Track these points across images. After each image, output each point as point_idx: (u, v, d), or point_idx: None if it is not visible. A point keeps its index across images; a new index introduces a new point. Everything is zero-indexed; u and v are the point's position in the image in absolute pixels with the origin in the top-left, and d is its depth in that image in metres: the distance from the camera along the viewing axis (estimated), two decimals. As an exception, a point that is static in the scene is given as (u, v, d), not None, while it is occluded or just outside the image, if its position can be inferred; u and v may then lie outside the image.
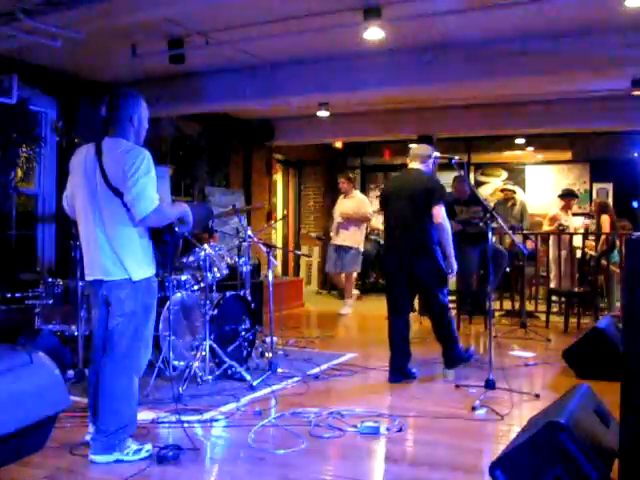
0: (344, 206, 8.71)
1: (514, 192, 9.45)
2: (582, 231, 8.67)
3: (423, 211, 4.73)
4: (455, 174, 7.39)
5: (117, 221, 3.10)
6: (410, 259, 4.78)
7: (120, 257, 3.10)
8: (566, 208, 8.42)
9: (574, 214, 8.84)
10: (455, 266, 4.87)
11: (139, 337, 3.19)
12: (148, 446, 3.22)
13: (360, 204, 8.71)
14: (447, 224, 4.77)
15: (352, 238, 8.51)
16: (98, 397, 3.14)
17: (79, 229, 3.25)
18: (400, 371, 4.83)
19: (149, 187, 3.05)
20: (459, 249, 6.41)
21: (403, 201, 4.81)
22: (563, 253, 8.02)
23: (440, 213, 4.72)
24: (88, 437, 3.33)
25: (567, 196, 8.50)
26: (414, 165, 5.00)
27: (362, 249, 8.71)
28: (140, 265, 3.15)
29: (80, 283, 4.73)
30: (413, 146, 5.24)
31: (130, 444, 3.18)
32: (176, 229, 3.28)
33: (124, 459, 3.13)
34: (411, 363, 4.95)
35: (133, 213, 3.04)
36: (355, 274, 9.04)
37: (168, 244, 3.23)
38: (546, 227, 8.41)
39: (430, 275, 4.81)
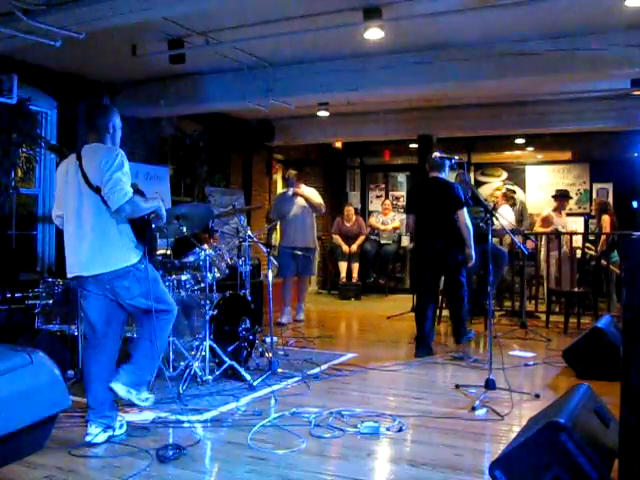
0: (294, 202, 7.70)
1: (514, 192, 9.46)
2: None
3: (450, 215, 5.70)
4: (455, 174, 7.38)
5: (102, 217, 3.38)
6: (442, 251, 5.75)
7: (108, 249, 3.39)
8: (559, 209, 8.43)
9: (574, 214, 8.85)
10: (474, 256, 5.74)
11: (162, 294, 3.61)
12: (152, 398, 3.68)
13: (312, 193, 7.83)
14: (469, 224, 5.69)
15: (308, 238, 7.66)
16: (136, 350, 3.57)
17: (67, 233, 3.51)
18: (426, 346, 5.76)
19: (122, 181, 3.32)
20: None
21: (432, 207, 5.76)
22: (563, 253, 8.03)
23: (463, 217, 5.65)
24: (88, 438, 3.37)
25: (560, 197, 8.51)
26: (434, 174, 5.86)
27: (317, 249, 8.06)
28: (133, 251, 3.46)
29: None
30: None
31: (144, 392, 3.59)
32: (152, 225, 3.60)
33: (134, 402, 3.54)
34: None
35: (109, 205, 3.31)
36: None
37: (145, 237, 3.53)
38: (538, 228, 8.41)
39: (456, 263, 5.78)
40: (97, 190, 3.34)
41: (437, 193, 5.79)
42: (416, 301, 6.18)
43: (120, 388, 3.45)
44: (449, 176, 6.04)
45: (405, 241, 11.13)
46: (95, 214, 3.39)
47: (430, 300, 5.91)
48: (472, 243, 5.70)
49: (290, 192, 7.63)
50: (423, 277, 5.94)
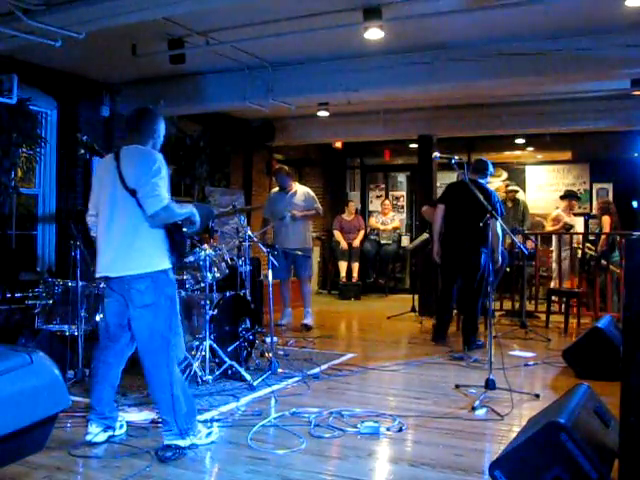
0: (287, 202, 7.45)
1: (516, 192, 9.47)
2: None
3: (482, 219, 5.58)
4: (455, 174, 7.39)
5: (134, 220, 3.30)
6: (468, 250, 6.02)
7: (137, 252, 3.31)
8: (568, 209, 8.46)
9: (574, 214, 8.85)
10: (500, 259, 6.10)
11: (167, 326, 3.34)
12: (215, 428, 3.55)
13: (308, 197, 7.53)
14: (500, 232, 5.97)
15: (300, 239, 7.34)
16: (150, 389, 3.40)
17: (99, 233, 3.44)
18: (442, 335, 6.30)
19: (159, 186, 3.27)
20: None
21: (469, 208, 5.78)
22: (564, 253, 8.03)
23: (495, 225, 5.69)
24: (88, 437, 3.37)
25: (569, 197, 8.54)
26: (475, 177, 6.07)
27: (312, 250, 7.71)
28: (159, 258, 3.36)
29: (80, 283, 4.74)
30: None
31: (201, 429, 3.43)
32: (184, 229, 3.50)
33: (198, 443, 3.35)
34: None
35: (144, 209, 3.25)
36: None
37: (178, 243, 3.44)
38: (549, 228, 8.44)
39: (477, 263, 6.02)
40: (132, 193, 3.29)
41: (476, 196, 5.66)
42: (440, 293, 6.54)
43: (179, 442, 3.27)
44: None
45: (405, 241, 11.13)
46: (128, 216, 3.32)
47: (448, 297, 6.34)
48: (500, 249, 6.13)
49: (286, 214, 7.26)
50: (448, 272, 6.29)
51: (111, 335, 3.46)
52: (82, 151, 6.71)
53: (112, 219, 3.36)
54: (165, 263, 3.37)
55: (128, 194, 3.30)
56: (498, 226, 5.77)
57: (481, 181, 6.10)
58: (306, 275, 7.40)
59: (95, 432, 3.39)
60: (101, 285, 4.82)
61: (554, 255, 8.16)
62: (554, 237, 8.14)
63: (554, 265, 8.25)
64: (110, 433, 3.44)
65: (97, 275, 3.47)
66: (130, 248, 3.31)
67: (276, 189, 7.70)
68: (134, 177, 3.30)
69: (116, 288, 3.37)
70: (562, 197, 8.70)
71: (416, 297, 8.50)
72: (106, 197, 3.41)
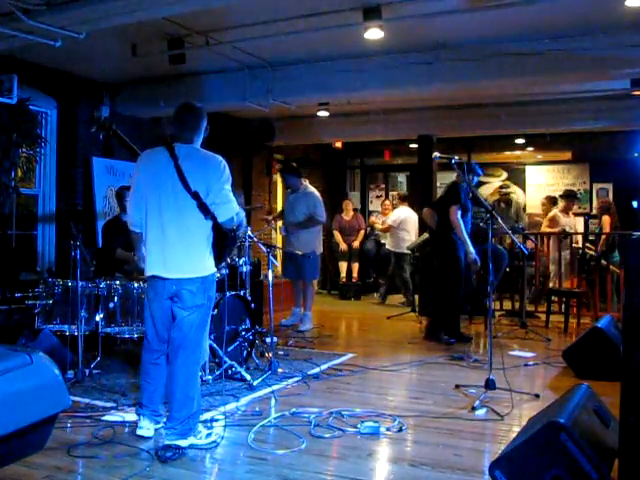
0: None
1: (509, 193, 9.46)
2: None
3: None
4: (455, 174, 7.38)
5: (193, 222, 3.32)
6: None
7: (193, 256, 3.34)
8: (566, 209, 8.44)
9: (575, 214, 8.86)
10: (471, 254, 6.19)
11: (204, 327, 3.46)
12: (217, 429, 3.54)
13: (309, 203, 7.30)
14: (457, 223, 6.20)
15: (302, 241, 7.22)
16: (171, 386, 3.37)
17: (152, 233, 3.38)
18: (458, 333, 6.48)
19: (231, 193, 3.39)
20: (459, 249, 6.41)
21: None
22: (564, 253, 8.03)
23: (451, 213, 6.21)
24: (140, 432, 3.48)
25: (567, 197, 8.52)
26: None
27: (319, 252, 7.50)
28: (208, 262, 3.41)
29: (80, 283, 4.74)
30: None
31: (201, 429, 3.43)
32: (237, 232, 3.58)
33: (198, 444, 3.35)
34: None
35: (216, 215, 3.33)
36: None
37: (228, 246, 3.52)
38: (545, 228, 8.43)
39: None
40: (195, 195, 3.28)
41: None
42: (454, 296, 6.44)
43: (178, 442, 3.29)
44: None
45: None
46: (186, 218, 3.31)
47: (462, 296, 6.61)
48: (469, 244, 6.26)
49: (283, 231, 7.40)
50: (461, 271, 6.37)
51: (160, 338, 3.46)
52: (94, 129, 6.57)
53: (168, 219, 3.32)
54: (213, 266, 3.44)
55: (189, 196, 3.28)
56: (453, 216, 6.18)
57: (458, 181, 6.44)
58: (308, 277, 7.31)
59: (148, 427, 3.48)
60: (117, 283, 4.95)
61: (551, 256, 8.16)
62: (552, 237, 8.12)
63: (551, 266, 8.25)
64: (157, 426, 3.51)
65: (147, 274, 3.44)
66: (187, 251, 3.32)
67: (289, 189, 7.68)
68: (203, 182, 3.30)
69: (165, 289, 3.36)
70: (561, 196, 8.70)
71: (416, 297, 8.51)
72: (161, 196, 3.34)
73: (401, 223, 9.34)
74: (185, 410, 3.31)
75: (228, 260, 5.22)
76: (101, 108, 7.06)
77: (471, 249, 6.16)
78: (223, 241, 3.45)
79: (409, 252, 8.82)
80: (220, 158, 3.43)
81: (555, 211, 8.55)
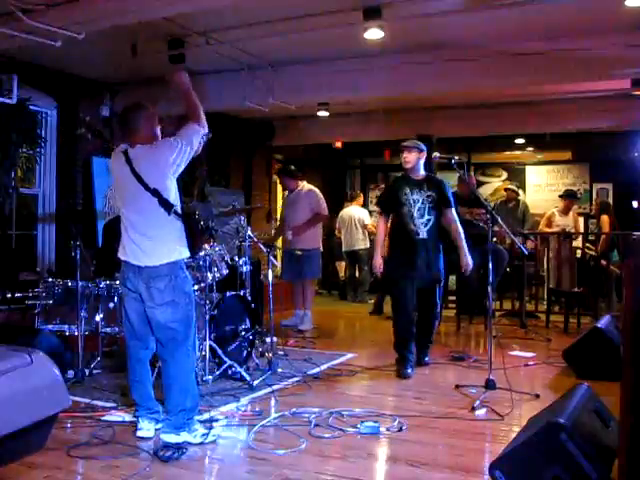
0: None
1: (517, 193, 9.45)
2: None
3: None
4: (455, 174, 7.39)
5: (158, 221, 3.37)
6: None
7: (159, 248, 3.37)
8: (565, 210, 8.44)
9: (577, 214, 8.85)
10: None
11: (189, 322, 3.45)
12: (215, 431, 3.50)
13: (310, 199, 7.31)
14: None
15: (301, 239, 7.21)
16: (165, 382, 3.41)
17: (123, 220, 3.48)
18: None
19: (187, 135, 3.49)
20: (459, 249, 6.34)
21: None
22: (564, 254, 8.03)
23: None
24: (141, 433, 3.47)
25: (566, 197, 8.51)
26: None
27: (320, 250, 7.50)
28: (174, 251, 3.41)
29: (80, 283, 4.73)
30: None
31: (198, 427, 3.42)
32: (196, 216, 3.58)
33: (191, 441, 3.35)
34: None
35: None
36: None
37: (198, 234, 3.54)
38: (543, 228, 8.44)
39: None
40: (154, 192, 3.35)
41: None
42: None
43: (171, 437, 3.34)
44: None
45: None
46: (150, 217, 3.39)
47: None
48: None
49: (288, 236, 7.26)
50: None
51: (138, 333, 3.51)
52: (81, 130, 6.67)
53: (134, 220, 3.43)
54: (180, 254, 3.44)
55: (150, 194, 3.34)
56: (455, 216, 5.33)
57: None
58: (309, 275, 7.29)
59: (147, 427, 3.49)
60: (117, 283, 4.86)
61: (550, 255, 8.16)
62: (551, 237, 8.12)
63: (551, 265, 8.26)
64: (157, 426, 3.51)
65: (121, 258, 3.50)
66: (153, 245, 3.38)
67: (287, 191, 7.69)
68: (160, 175, 3.37)
69: (134, 277, 3.41)
70: (560, 196, 8.71)
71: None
72: (124, 197, 3.48)
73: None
74: (179, 405, 3.34)
75: (228, 260, 5.23)
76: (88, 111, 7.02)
77: (378, 257, 5.26)
78: (193, 230, 3.46)
79: None
80: (168, 138, 3.48)
81: (553, 210, 8.58)
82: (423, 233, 5.08)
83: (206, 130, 3.57)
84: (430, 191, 5.16)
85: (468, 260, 5.20)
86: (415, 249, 5.07)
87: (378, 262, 5.23)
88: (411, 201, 5.11)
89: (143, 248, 3.38)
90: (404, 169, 5.27)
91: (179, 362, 3.41)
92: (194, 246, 3.50)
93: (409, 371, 5.00)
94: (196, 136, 3.48)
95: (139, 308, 3.46)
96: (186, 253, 3.47)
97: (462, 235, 5.25)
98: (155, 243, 3.38)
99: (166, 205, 3.34)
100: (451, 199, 5.30)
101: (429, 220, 5.12)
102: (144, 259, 3.37)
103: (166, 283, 3.35)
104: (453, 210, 5.28)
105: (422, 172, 5.25)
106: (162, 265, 3.35)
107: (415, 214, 5.09)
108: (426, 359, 5.40)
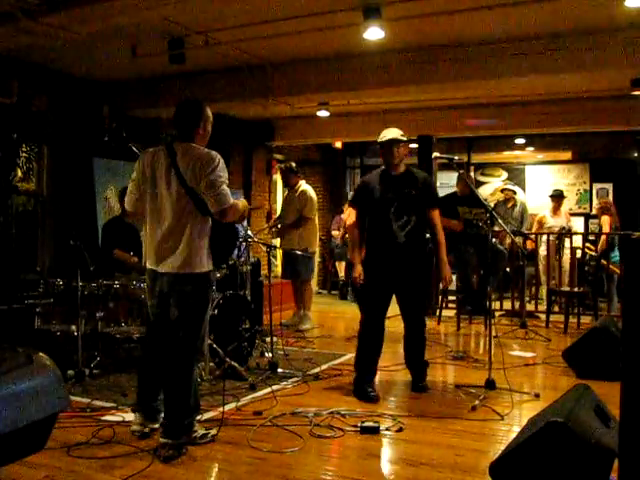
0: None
1: (514, 193, 9.46)
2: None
3: None
4: (455, 174, 7.40)
5: (190, 220, 3.33)
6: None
7: (186, 252, 3.32)
8: (555, 210, 8.54)
9: (574, 214, 8.87)
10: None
11: (198, 327, 3.42)
12: (213, 431, 3.48)
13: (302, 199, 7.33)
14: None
15: (293, 240, 7.19)
16: (165, 384, 3.40)
17: (147, 224, 3.46)
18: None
19: (225, 185, 3.31)
20: (460, 249, 6.40)
21: None
22: (563, 253, 8.03)
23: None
24: (134, 427, 3.49)
25: (554, 197, 8.63)
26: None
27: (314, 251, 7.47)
28: (202, 260, 3.38)
29: (80, 283, 4.73)
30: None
31: (197, 428, 3.43)
32: (238, 227, 3.61)
33: (194, 442, 3.36)
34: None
35: (210, 206, 3.28)
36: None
37: (227, 244, 3.52)
38: (535, 230, 8.54)
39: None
40: (190, 191, 3.31)
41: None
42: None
43: (171, 437, 3.30)
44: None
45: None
46: (183, 215, 3.34)
47: None
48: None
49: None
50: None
51: (155, 334, 3.51)
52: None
53: (166, 216, 3.37)
54: (208, 265, 3.41)
55: (185, 192, 3.31)
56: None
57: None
58: (304, 276, 7.26)
59: (143, 423, 3.51)
60: (117, 283, 5.02)
61: (540, 256, 8.22)
62: (551, 237, 8.14)
63: (541, 266, 8.31)
64: (155, 425, 3.51)
65: (146, 266, 3.50)
66: (180, 248, 3.34)
67: (287, 187, 7.72)
68: (198, 178, 3.29)
69: (156, 282, 3.42)
70: (550, 196, 8.80)
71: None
72: (159, 193, 3.41)
73: None
74: (179, 408, 3.33)
75: (228, 260, 5.23)
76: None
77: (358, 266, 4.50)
78: (222, 239, 3.44)
79: None
80: (215, 153, 3.38)
81: (543, 213, 8.66)
82: (401, 237, 4.37)
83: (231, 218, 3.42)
84: (410, 188, 4.45)
85: (448, 272, 4.57)
86: (391, 256, 4.38)
87: (358, 271, 4.44)
88: (386, 200, 4.41)
89: (169, 253, 3.34)
90: (388, 165, 4.58)
91: (181, 365, 3.39)
92: (220, 257, 3.50)
93: (374, 394, 4.33)
94: (232, 204, 3.32)
95: (165, 306, 3.43)
96: (211, 265, 3.44)
97: (443, 243, 4.55)
98: (183, 249, 3.33)
99: (201, 206, 3.32)
100: (436, 198, 4.67)
101: (408, 222, 4.39)
102: (167, 266, 3.35)
103: (191, 285, 3.34)
104: (437, 212, 4.55)
105: (402, 167, 4.59)
106: (186, 274, 3.33)
107: (391, 215, 4.37)
108: (421, 384, 4.58)
